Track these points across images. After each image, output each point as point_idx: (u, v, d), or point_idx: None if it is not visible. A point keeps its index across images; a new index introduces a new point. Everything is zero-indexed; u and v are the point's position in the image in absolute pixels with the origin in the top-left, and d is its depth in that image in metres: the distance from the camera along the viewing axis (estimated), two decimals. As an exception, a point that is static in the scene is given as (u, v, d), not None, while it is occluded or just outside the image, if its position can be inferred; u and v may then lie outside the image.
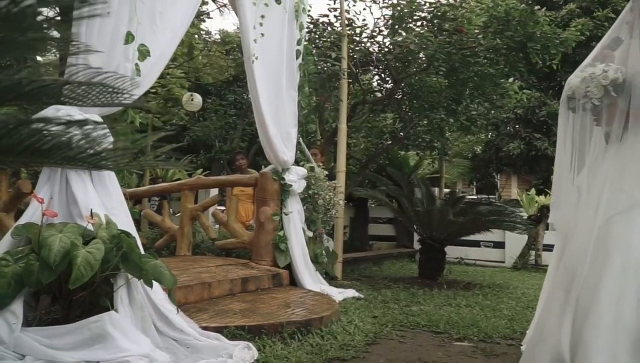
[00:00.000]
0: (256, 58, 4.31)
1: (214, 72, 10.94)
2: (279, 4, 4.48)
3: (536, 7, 7.12)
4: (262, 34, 4.28)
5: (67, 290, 2.34)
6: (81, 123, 1.37)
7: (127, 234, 2.45)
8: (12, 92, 1.15)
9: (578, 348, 2.23)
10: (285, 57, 4.63)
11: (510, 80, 7.62)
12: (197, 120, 10.62)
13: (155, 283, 2.49)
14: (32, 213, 2.53)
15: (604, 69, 2.51)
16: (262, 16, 4.29)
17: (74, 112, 2.51)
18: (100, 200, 2.64)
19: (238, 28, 5.71)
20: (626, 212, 2.30)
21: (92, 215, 2.46)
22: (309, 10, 5.14)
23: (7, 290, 2.24)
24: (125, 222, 2.72)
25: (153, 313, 2.57)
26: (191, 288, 3.36)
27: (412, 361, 2.75)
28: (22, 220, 2.53)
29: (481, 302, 4.63)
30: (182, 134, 10.64)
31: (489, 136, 13.58)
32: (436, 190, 9.73)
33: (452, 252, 9.46)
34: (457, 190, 12.73)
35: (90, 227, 2.45)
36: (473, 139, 12.98)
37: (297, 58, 4.79)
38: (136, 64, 3.03)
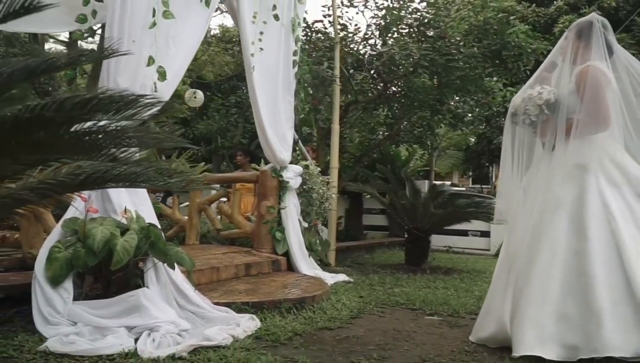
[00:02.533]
0: (254, 69, 4.86)
1: (215, 69, 11.48)
2: (277, 20, 5.02)
3: (521, 7, 7.57)
4: (261, 48, 4.82)
5: (106, 271, 2.92)
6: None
7: (154, 226, 3.03)
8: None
9: (515, 316, 2.82)
10: (281, 67, 5.17)
11: (495, 78, 8.16)
12: (199, 116, 11.16)
13: (176, 266, 3.08)
14: (74, 210, 3.10)
15: (539, 91, 3.07)
16: (261, 32, 4.82)
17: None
18: (130, 198, 3.21)
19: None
20: (554, 209, 2.87)
21: (125, 211, 3.03)
22: (304, 19, 5.68)
23: (60, 271, 2.82)
24: (149, 216, 3.29)
25: (174, 291, 3.14)
26: (202, 272, 3.94)
27: (388, 330, 3.33)
28: (67, 215, 3.10)
29: (457, 284, 5.23)
30: (184, 128, 11.19)
31: (481, 128, 14.09)
32: (426, 182, 10.31)
33: (441, 241, 10.06)
34: (449, 182, 13.27)
35: (123, 220, 3.03)
36: (467, 131, 13.50)
37: (293, 67, 5.34)
38: (155, 83, 3.59)
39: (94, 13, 3.50)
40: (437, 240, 10.25)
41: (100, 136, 1.24)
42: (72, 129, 1.17)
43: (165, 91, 3.67)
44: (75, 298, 2.87)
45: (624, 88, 3.08)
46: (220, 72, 11.75)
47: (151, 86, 3.56)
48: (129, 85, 3.34)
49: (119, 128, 1.27)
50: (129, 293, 2.83)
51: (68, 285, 2.83)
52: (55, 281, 2.80)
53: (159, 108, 1.46)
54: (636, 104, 3.07)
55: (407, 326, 3.48)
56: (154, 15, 3.58)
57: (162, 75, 3.60)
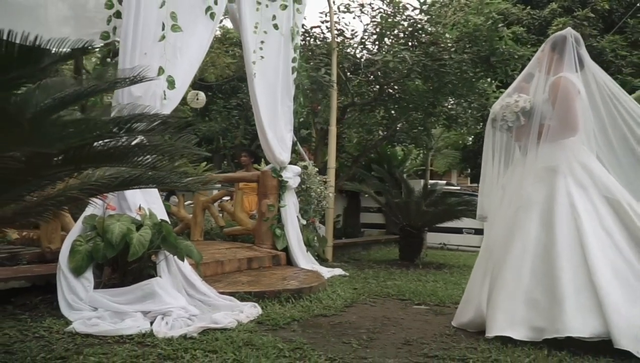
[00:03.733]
0: (255, 76, 5.17)
1: (216, 71, 11.78)
2: (277, 29, 5.33)
3: (517, 9, 7.76)
4: (262, 57, 5.14)
5: (123, 263, 3.24)
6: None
7: (166, 222, 3.35)
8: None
9: (490, 302, 3.14)
10: (281, 74, 5.48)
11: (488, 80, 8.47)
12: (200, 116, 11.47)
13: (186, 259, 3.40)
14: (93, 208, 3.42)
15: (516, 99, 3.39)
16: (262, 41, 5.14)
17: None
18: (143, 197, 3.52)
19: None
20: (526, 207, 3.19)
21: (140, 208, 3.35)
22: (303, 25, 5.99)
23: (82, 262, 3.14)
24: (160, 213, 3.60)
25: (183, 281, 3.47)
26: (208, 265, 4.26)
27: (378, 317, 3.64)
28: (86, 213, 3.41)
29: (447, 278, 5.55)
30: (187, 128, 11.48)
31: (478, 128, 14.39)
32: (422, 181, 10.63)
33: (436, 238, 10.41)
34: (444, 181, 13.57)
35: (138, 217, 3.35)
36: (463, 131, 13.80)
37: (292, 73, 5.65)
38: (164, 91, 3.91)
39: (114, 30, 3.81)
40: (433, 238, 10.61)
41: (132, 147, 1.55)
42: (113, 144, 1.47)
43: (174, 98, 3.99)
44: (95, 287, 3.19)
45: (593, 98, 3.40)
46: (222, 74, 12.06)
47: (161, 94, 3.88)
48: (142, 93, 3.66)
49: (147, 142, 1.58)
50: (143, 282, 3.14)
51: (89, 275, 3.16)
52: (77, 271, 3.12)
53: (179, 125, 1.76)
54: (604, 112, 3.39)
55: (396, 314, 3.79)
56: (163, 29, 3.89)
57: (171, 83, 3.92)
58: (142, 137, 1.62)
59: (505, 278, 3.12)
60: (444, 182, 12.99)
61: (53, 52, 1.28)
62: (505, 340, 2.88)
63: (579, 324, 2.76)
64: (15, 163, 1.34)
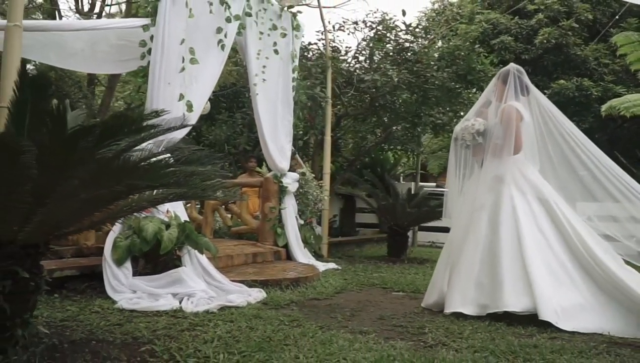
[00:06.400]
0: (258, 95, 5.96)
1: (219, 80, 12.56)
2: (277, 54, 6.11)
3: (505, 19, 8.36)
4: (264, 79, 5.92)
5: (154, 256, 4.02)
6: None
7: (188, 222, 4.13)
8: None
9: (449, 285, 3.93)
10: (281, 92, 6.26)
11: (473, 90, 9.25)
12: (205, 121, 12.22)
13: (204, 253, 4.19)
14: (128, 211, 4.19)
15: (472, 123, 4.18)
16: (264, 66, 5.92)
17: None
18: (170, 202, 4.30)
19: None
20: (479, 210, 3.98)
21: (167, 211, 4.13)
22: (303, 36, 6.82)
23: (122, 255, 3.93)
24: (182, 215, 4.39)
25: (202, 270, 4.25)
26: (220, 259, 5.02)
27: (361, 301, 4.42)
28: (123, 214, 4.19)
29: (426, 271, 6.31)
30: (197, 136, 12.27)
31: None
32: (412, 184, 11.43)
33: (426, 237, 11.19)
34: (434, 184, 14.33)
35: (166, 219, 4.13)
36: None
37: (291, 91, 6.43)
38: (184, 113, 4.68)
39: (142, 55, 4.60)
40: (423, 236, 11.42)
41: (186, 174, 2.32)
42: (173, 174, 2.23)
43: (192, 119, 4.77)
44: (133, 275, 3.97)
45: (537, 120, 4.19)
46: (225, 81, 12.84)
47: (181, 116, 4.65)
48: (167, 115, 4.43)
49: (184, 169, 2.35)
50: (172, 271, 3.94)
51: (128, 265, 3.95)
52: (119, 262, 3.91)
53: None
54: (544, 130, 4.18)
55: (377, 298, 4.58)
56: (183, 62, 4.66)
57: (189, 107, 4.70)
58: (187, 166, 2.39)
59: (460, 267, 3.92)
60: (434, 184, 13.76)
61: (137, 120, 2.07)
62: (458, 315, 3.67)
63: (514, 301, 3.55)
64: (108, 191, 2.11)
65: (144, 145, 2.24)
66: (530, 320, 3.46)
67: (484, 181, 4.06)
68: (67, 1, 12.66)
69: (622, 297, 3.53)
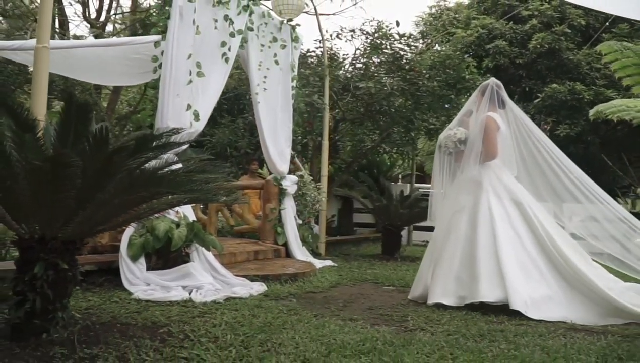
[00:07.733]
0: (259, 103, 6.37)
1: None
2: (277, 65, 6.53)
3: (500, 25, 8.71)
4: (265, 89, 6.34)
5: (165, 252, 4.44)
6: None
7: (196, 222, 4.56)
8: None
9: (432, 279, 4.35)
10: (280, 100, 6.67)
11: (467, 95, 9.65)
12: (208, 124, 12.63)
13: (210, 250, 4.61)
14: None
15: (454, 131, 4.59)
16: (265, 76, 6.34)
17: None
18: (178, 204, 4.72)
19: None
20: (459, 212, 4.40)
21: (177, 212, 4.55)
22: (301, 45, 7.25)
23: (137, 251, 4.35)
24: (190, 215, 4.80)
25: (208, 266, 4.67)
26: (224, 256, 5.44)
27: (354, 294, 4.84)
28: (137, 215, 4.61)
29: (416, 267, 6.55)
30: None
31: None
32: (408, 185, 11.83)
33: (420, 236, 11.59)
34: (429, 184, 14.69)
35: (176, 219, 4.55)
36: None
37: (291, 99, 6.85)
38: (191, 122, 5.10)
39: (155, 70, 5.02)
40: (418, 236, 11.81)
41: (200, 182, 2.74)
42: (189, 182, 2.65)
43: (198, 127, 5.18)
44: (146, 269, 4.39)
45: (513, 130, 4.61)
46: (227, 85, 13.26)
47: (189, 125, 5.07)
48: (175, 125, 4.85)
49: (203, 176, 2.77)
50: (182, 266, 4.36)
51: (142, 260, 4.37)
52: (134, 258, 4.33)
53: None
54: (520, 140, 4.60)
55: (368, 292, 5.00)
56: (190, 75, 5.08)
57: (196, 116, 5.12)
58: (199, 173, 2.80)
59: (442, 262, 4.34)
60: (429, 185, 14.12)
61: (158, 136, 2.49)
62: (440, 306, 4.09)
63: (488, 293, 3.97)
64: (135, 196, 2.54)
65: (164, 156, 2.65)
66: (502, 310, 3.88)
67: (464, 185, 4.48)
68: (73, 7, 13.02)
69: (586, 289, 3.95)
